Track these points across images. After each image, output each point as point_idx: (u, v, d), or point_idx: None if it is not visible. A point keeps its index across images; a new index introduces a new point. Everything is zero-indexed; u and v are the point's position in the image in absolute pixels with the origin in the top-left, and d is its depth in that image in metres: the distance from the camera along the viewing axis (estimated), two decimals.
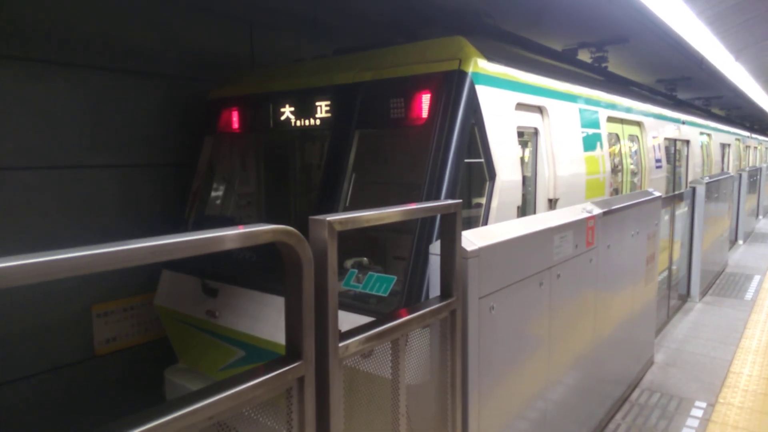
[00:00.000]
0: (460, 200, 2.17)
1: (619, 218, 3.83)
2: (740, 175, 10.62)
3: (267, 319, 3.42)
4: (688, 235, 6.86)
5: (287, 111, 4.06)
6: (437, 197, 3.06)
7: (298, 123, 4.00)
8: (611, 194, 5.33)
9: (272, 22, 5.66)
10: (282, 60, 5.50)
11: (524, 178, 3.88)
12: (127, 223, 4.49)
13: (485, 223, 3.34)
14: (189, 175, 4.59)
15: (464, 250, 2.20)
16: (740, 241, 10.90)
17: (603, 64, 8.92)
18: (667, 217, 5.82)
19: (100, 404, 4.32)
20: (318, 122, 3.87)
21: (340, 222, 1.61)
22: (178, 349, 4.30)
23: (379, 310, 2.93)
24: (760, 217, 14.09)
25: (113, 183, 4.40)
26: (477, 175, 3.59)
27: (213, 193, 4.66)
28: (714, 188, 7.45)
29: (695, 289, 6.88)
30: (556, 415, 3.10)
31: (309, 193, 4.92)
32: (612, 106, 5.69)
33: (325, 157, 3.76)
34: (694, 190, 6.88)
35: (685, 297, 6.86)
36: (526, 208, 4.05)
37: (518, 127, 3.85)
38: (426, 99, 3.30)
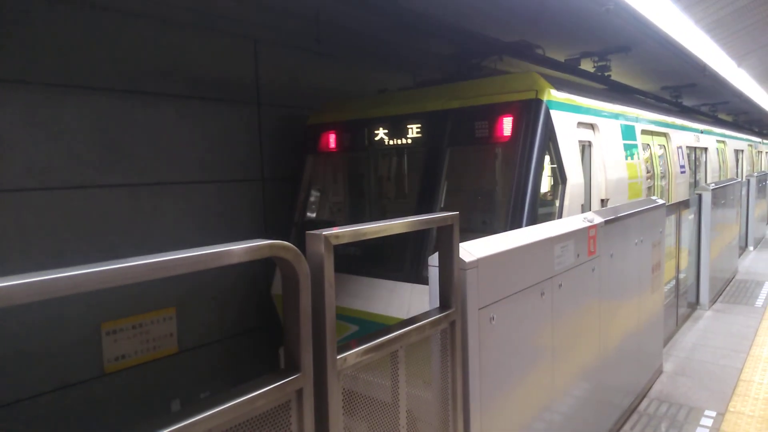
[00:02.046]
0: (457, 212, 2.20)
1: (621, 227, 3.83)
2: (748, 181, 10.55)
3: (379, 298, 4.26)
4: (696, 242, 6.82)
5: (381, 133, 4.99)
6: (523, 199, 3.98)
7: (391, 143, 4.93)
8: (645, 195, 6.17)
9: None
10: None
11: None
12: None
13: (560, 217, 4.22)
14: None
15: (462, 261, 2.22)
16: (750, 248, 10.80)
17: (606, 73, 8.96)
18: (674, 224, 5.80)
19: (110, 422, 4.35)
20: (410, 141, 4.80)
21: (336, 236, 1.65)
22: None
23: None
24: None
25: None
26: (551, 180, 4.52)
27: (313, 202, 5.60)
28: (721, 194, 7.41)
29: (704, 296, 6.82)
30: (562, 427, 3.09)
31: (397, 199, 5.81)
32: (644, 121, 6.58)
33: (422, 170, 4.66)
34: (700, 196, 6.86)
35: (694, 305, 6.80)
36: (585, 207, 4.83)
37: (579, 141, 4.74)
38: (508, 121, 4.18)
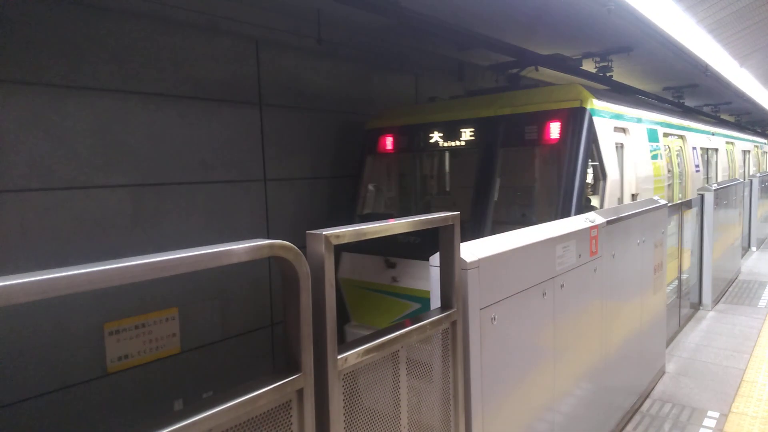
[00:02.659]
0: (458, 212, 2.20)
1: (623, 227, 3.82)
2: (751, 181, 10.53)
3: None
4: (698, 242, 6.81)
5: (436, 136, 5.65)
6: (571, 192, 4.61)
7: (445, 144, 5.60)
8: (667, 192, 6.90)
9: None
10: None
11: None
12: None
13: (601, 207, 4.95)
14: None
15: (463, 261, 2.22)
16: (753, 248, 10.77)
17: (608, 74, 8.95)
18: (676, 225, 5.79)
19: (112, 422, 4.36)
20: (463, 143, 5.45)
21: (337, 236, 1.65)
22: (353, 311, 5.60)
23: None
24: None
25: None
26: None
27: (372, 197, 6.32)
28: (723, 195, 7.40)
29: (707, 297, 6.80)
30: (564, 428, 3.08)
31: (449, 193, 6.86)
32: (665, 125, 7.22)
33: (477, 168, 5.26)
34: (702, 197, 6.84)
35: (696, 305, 6.78)
36: (621, 200, 5.47)
37: (615, 143, 5.39)
38: (556, 126, 4.82)
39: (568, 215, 4.43)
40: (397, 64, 7.44)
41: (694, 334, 5.86)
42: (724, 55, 8.60)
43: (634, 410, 4.13)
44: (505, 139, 5.17)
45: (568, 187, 4.65)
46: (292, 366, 1.55)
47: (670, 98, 12.93)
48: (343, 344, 1.72)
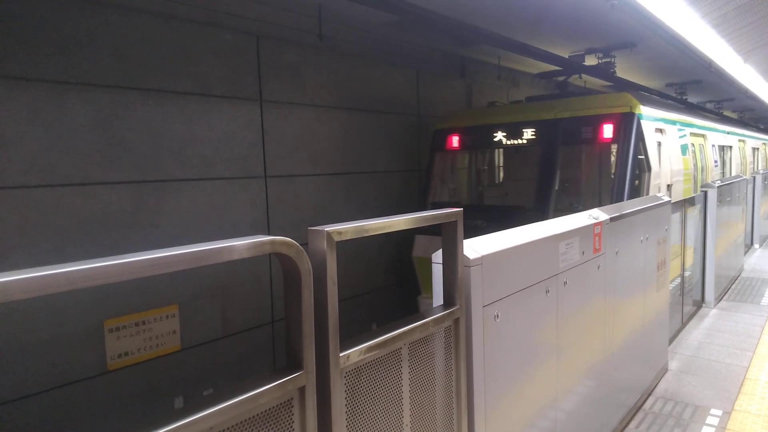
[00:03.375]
0: (461, 209, 2.17)
1: (626, 224, 3.80)
2: (754, 178, 10.48)
3: None
4: (701, 239, 6.78)
5: (500, 135, 6.55)
6: (623, 184, 5.49)
7: (508, 143, 6.51)
8: (692, 184, 7.74)
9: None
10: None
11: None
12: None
13: (646, 194, 5.76)
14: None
15: (466, 258, 2.20)
16: (756, 245, 10.73)
17: (611, 70, 8.90)
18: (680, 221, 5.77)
19: (112, 420, 4.35)
20: (525, 142, 6.34)
21: (339, 232, 1.63)
22: (424, 285, 6.56)
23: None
24: None
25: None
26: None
27: (439, 188, 7.23)
28: (726, 192, 7.36)
29: (710, 294, 6.77)
30: (567, 425, 3.06)
31: (511, 184, 7.80)
32: (691, 125, 8.14)
33: (539, 163, 6.16)
34: (705, 194, 6.81)
35: (699, 302, 6.75)
36: (661, 189, 6.30)
37: (656, 141, 6.25)
38: (609, 127, 5.74)
39: (621, 200, 5.38)
40: (399, 60, 7.41)
41: (696, 332, 5.84)
42: (728, 51, 8.55)
43: (637, 408, 4.11)
44: (565, 138, 6.08)
45: (621, 178, 5.59)
46: (293, 363, 1.54)
47: (674, 95, 12.86)
48: (345, 342, 1.70)
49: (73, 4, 4.11)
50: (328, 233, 1.58)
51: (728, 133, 11.20)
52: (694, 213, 6.48)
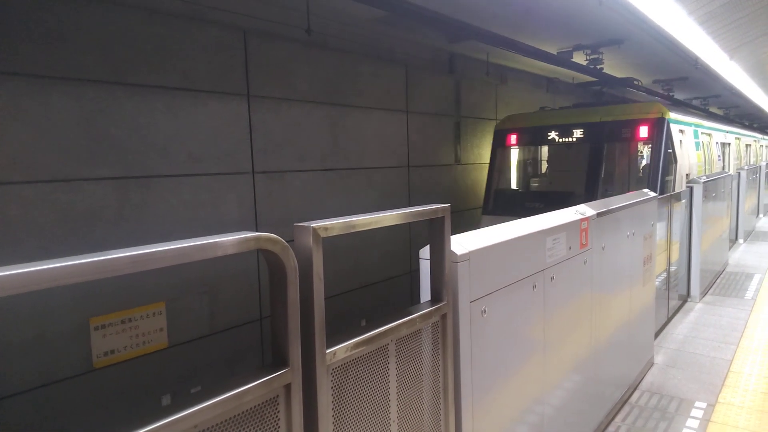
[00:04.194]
0: (448, 204, 2.17)
1: (613, 219, 3.82)
2: (739, 174, 10.61)
3: None
4: (687, 234, 6.85)
5: (553, 134, 8.06)
6: (657, 172, 7.00)
7: (560, 140, 8.05)
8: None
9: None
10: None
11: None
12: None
13: (673, 185, 7.32)
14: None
15: (454, 253, 2.20)
16: (740, 240, 10.87)
17: (598, 66, 8.95)
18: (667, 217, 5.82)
19: (99, 418, 4.31)
20: (575, 140, 7.89)
21: (325, 228, 1.62)
22: None
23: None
24: (761, 215, 14.06)
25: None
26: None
27: (500, 178, 8.76)
28: (711, 187, 7.45)
29: (695, 288, 6.86)
30: (554, 419, 3.09)
31: (563, 173, 9.16)
32: (700, 126, 9.53)
33: (588, 157, 7.71)
34: (691, 189, 6.88)
35: (685, 297, 6.84)
36: (681, 180, 7.66)
37: (679, 140, 7.68)
38: (645, 129, 7.27)
39: (655, 186, 6.82)
40: (387, 55, 7.39)
41: (682, 326, 5.91)
42: (714, 48, 8.63)
43: (624, 401, 4.16)
44: (608, 137, 7.65)
45: (655, 168, 7.15)
46: (279, 361, 1.53)
47: (660, 91, 12.97)
48: (332, 338, 1.69)
49: None
50: (314, 229, 1.57)
51: (727, 132, 12.88)
52: (680, 208, 6.55)
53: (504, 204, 8.56)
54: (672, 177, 7.42)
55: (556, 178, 9.33)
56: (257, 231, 1.46)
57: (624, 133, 7.58)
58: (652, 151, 7.36)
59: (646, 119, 7.40)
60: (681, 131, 7.93)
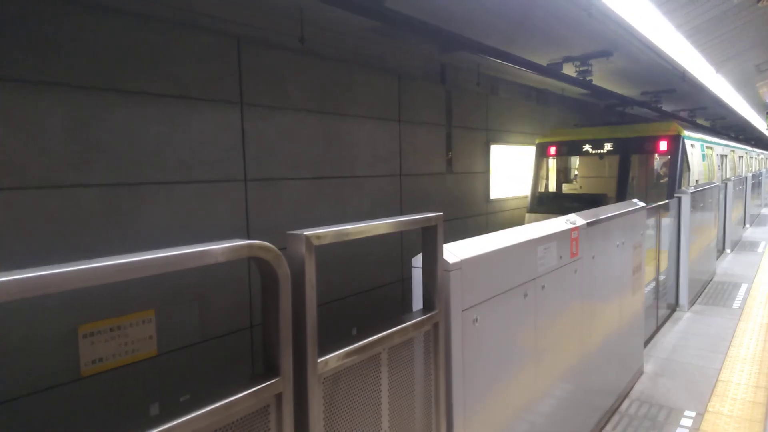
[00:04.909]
0: (441, 213, 2.18)
1: (603, 229, 3.86)
2: (726, 185, 10.75)
3: None
4: (675, 244, 6.92)
5: (587, 147, 10.02)
6: (675, 178, 8.96)
7: (593, 152, 9.97)
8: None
9: None
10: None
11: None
12: None
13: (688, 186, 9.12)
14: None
15: (446, 262, 2.21)
16: (728, 250, 10.99)
17: (587, 78, 9.06)
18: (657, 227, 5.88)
19: (86, 427, 4.25)
20: (605, 151, 9.79)
21: (318, 236, 1.62)
22: None
23: None
24: (747, 225, 14.24)
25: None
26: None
27: (543, 182, 10.86)
28: (699, 198, 7.53)
29: (684, 298, 6.91)
30: (544, 428, 3.09)
31: (596, 179, 11.61)
32: (706, 141, 11.63)
33: (618, 166, 9.73)
34: (679, 200, 6.95)
35: (674, 306, 6.89)
36: (696, 182, 9.44)
37: (691, 153, 9.59)
38: (665, 143, 9.18)
39: (674, 189, 8.27)
40: (380, 64, 7.44)
41: (671, 335, 5.95)
42: (701, 61, 8.78)
43: (613, 410, 4.17)
44: (634, 149, 9.75)
45: (673, 175, 9.12)
46: (270, 370, 1.52)
47: (648, 102, 13.13)
48: (324, 347, 1.69)
49: (49, 4, 4.03)
50: (307, 237, 1.57)
51: (724, 146, 15.14)
52: (668, 218, 6.61)
53: (546, 204, 10.34)
54: (686, 181, 9.40)
55: (589, 183, 11.63)
56: (249, 238, 1.46)
57: (647, 146, 9.51)
58: (670, 161, 9.25)
59: (665, 135, 9.27)
60: (692, 145, 9.92)
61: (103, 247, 4.36)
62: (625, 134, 9.68)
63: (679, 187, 8.62)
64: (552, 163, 11.13)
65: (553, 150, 10.38)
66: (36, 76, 3.98)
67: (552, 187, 11.18)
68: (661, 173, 10.44)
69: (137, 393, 4.53)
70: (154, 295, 4.64)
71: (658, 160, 10.58)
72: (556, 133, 10.65)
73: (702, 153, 10.77)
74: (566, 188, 11.56)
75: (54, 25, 4.07)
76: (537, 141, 10.68)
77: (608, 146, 9.70)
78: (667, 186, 8.98)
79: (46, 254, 4.03)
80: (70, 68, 4.16)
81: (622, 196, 9.17)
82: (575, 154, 10.67)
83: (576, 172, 12.26)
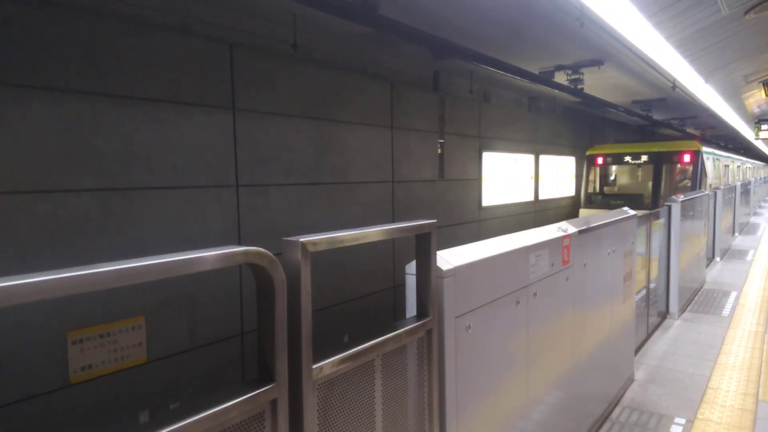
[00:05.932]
0: (435, 220, 2.19)
1: (594, 237, 3.89)
2: (715, 193, 10.87)
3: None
4: (665, 252, 6.98)
5: (627, 157, 13.52)
6: (696, 184, 12.52)
7: (631, 162, 13.56)
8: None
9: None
10: None
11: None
12: None
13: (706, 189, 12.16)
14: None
15: (440, 269, 2.22)
16: (717, 258, 11.10)
17: (579, 86, 9.15)
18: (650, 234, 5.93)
19: None
20: (642, 162, 13.37)
21: (313, 243, 1.62)
22: None
23: None
24: (737, 234, 14.39)
25: None
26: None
27: (591, 186, 14.04)
28: (689, 206, 7.61)
29: (674, 305, 6.97)
30: None
31: (634, 184, 14.26)
32: (715, 154, 14.56)
33: (652, 174, 13.24)
34: (669, 208, 7.02)
35: (664, 314, 6.94)
36: (711, 188, 11.56)
37: (706, 164, 12.49)
38: (688, 156, 12.78)
39: (694, 191, 9.28)
40: (373, 71, 7.47)
41: (661, 342, 5.99)
42: (690, 71, 8.89)
43: (604, 417, 4.19)
44: (664, 160, 12.94)
45: (694, 180, 12.32)
46: (265, 376, 1.52)
47: (639, 111, 13.29)
48: (318, 354, 1.69)
49: (40, 7, 4.01)
50: (303, 244, 1.58)
51: (727, 157, 18.08)
52: (658, 227, 6.67)
53: (595, 201, 13.60)
54: (705, 186, 12.31)
55: (629, 185, 14.52)
56: (240, 244, 1.46)
57: (674, 158, 12.75)
58: (692, 170, 12.50)
59: (688, 150, 12.58)
60: (707, 158, 13.09)
61: (94, 253, 4.32)
62: (658, 149, 12.98)
63: (700, 188, 11.48)
64: (598, 171, 14.03)
65: (600, 160, 13.71)
66: (27, 79, 3.96)
67: (600, 188, 14.15)
68: (684, 178, 13.01)
69: (127, 400, 4.48)
70: (144, 302, 4.61)
71: (680, 168, 13.10)
72: (603, 146, 14.02)
73: (714, 163, 14.19)
74: (606, 190, 14.22)
75: (46, 30, 4.05)
76: (587, 153, 13.89)
77: (644, 158, 13.04)
78: (689, 188, 12.07)
79: (37, 260, 3.99)
80: (62, 73, 4.14)
81: (656, 195, 12.58)
82: (619, 164, 13.69)
83: (612, 177, 14.87)
